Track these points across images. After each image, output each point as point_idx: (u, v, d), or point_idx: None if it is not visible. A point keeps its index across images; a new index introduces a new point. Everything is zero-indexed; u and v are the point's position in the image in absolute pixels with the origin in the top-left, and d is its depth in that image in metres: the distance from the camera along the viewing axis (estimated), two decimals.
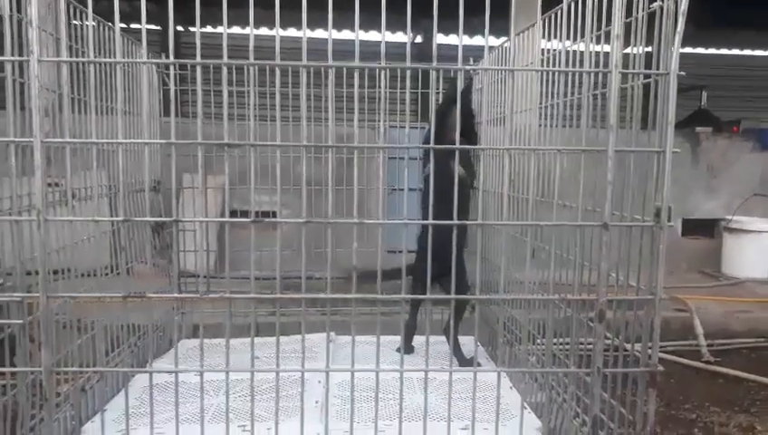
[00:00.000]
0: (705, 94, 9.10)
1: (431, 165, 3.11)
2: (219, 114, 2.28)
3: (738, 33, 11.47)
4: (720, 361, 4.40)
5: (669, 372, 4.04)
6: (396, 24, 1.99)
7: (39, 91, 1.63)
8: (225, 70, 1.74)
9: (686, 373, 4.19)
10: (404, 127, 2.72)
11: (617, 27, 1.77)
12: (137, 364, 2.91)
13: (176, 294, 1.74)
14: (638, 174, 1.94)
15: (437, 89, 3.57)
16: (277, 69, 1.78)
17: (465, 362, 3.14)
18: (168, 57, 1.85)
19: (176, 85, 2.22)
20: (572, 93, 2.37)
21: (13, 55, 1.84)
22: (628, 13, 1.90)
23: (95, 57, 2.06)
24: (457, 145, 2.04)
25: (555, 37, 2.48)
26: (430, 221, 1.93)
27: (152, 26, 10.03)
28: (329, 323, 2.08)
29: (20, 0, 1.92)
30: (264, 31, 9.82)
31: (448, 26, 2.33)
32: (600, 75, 1.99)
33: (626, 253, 1.98)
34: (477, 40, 10.24)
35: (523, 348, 2.82)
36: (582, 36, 2.19)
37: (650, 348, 1.86)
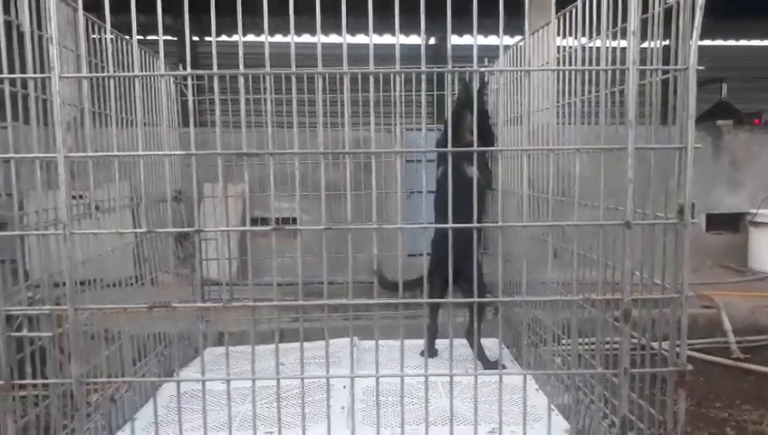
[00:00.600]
0: (725, 87, 8.98)
1: (444, 167, 3.10)
2: (237, 122, 2.29)
3: (757, 23, 11.29)
4: (750, 357, 4.33)
5: (698, 370, 3.98)
6: (409, 26, 1.99)
7: (61, 107, 1.66)
8: (242, 79, 1.76)
9: (716, 371, 4.13)
10: (420, 129, 2.71)
11: (633, 23, 1.75)
12: (163, 373, 2.94)
13: (200, 304, 1.75)
14: (660, 170, 1.92)
15: (453, 91, 3.56)
16: (293, 77, 1.79)
17: (490, 364, 3.12)
18: (184, 68, 1.88)
19: (193, 95, 2.25)
20: (590, 91, 2.36)
21: (34, 71, 1.87)
22: (645, 8, 1.89)
23: (114, 71, 2.10)
24: (475, 147, 2.04)
25: (570, 35, 2.47)
26: (450, 225, 1.92)
27: (168, 37, 10.16)
28: (352, 328, 2.08)
29: (40, 16, 1.96)
30: (278, 38, 9.90)
31: (461, 27, 2.32)
32: (618, 72, 1.98)
33: (649, 251, 1.96)
34: (491, 40, 10.17)
35: (548, 349, 2.79)
36: (598, 33, 2.18)
37: (678, 347, 1.83)
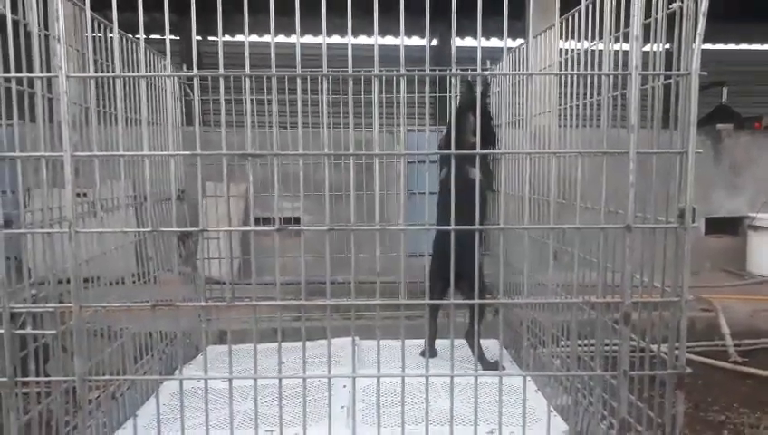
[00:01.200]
0: (725, 90, 8.99)
1: (447, 169, 3.11)
2: (240, 122, 2.31)
3: (757, 27, 11.31)
4: (748, 361, 4.34)
5: (696, 373, 3.99)
6: (412, 28, 2.00)
7: (68, 106, 1.67)
8: (246, 81, 1.77)
9: (714, 374, 4.14)
10: (423, 131, 2.73)
11: (636, 28, 1.76)
12: (165, 371, 2.95)
13: (203, 303, 1.77)
14: (661, 174, 1.93)
15: (455, 93, 3.58)
16: (298, 78, 1.80)
17: (490, 365, 3.14)
18: (189, 68, 1.89)
19: (198, 95, 2.27)
20: (592, 95, 2.37)
21: (41, 70, 1.88)
22: (647, 13, 1.90)
23: (120, 70, 2.11)
24: (478, 149, 2.05)
25: (573, 38, 2.48)
26: (452, 227, 1.94)
27: (172, 37, 10.17)
28: (353, 327, 2.10)
29: (47, 15, 1.97)
30: (281, 38, 9.91)
31: (464, 28, 2.34)
32: (620, 77, 1.99)
33: (649, 254, 1.97)
34: (494, 42, 10.21)
35: (547, 351, 2.81)
36: (601, 37, 2.19)
37: (677, 350, 1.85)
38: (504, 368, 2.76)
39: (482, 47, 1.93)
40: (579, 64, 2.44)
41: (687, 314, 1.85)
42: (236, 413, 2.57)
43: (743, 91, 10.51)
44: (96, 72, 2.36)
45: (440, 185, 3.27)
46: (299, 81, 1.83)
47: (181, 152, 2.66)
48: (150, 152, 1.70)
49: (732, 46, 11.95)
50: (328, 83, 1.81)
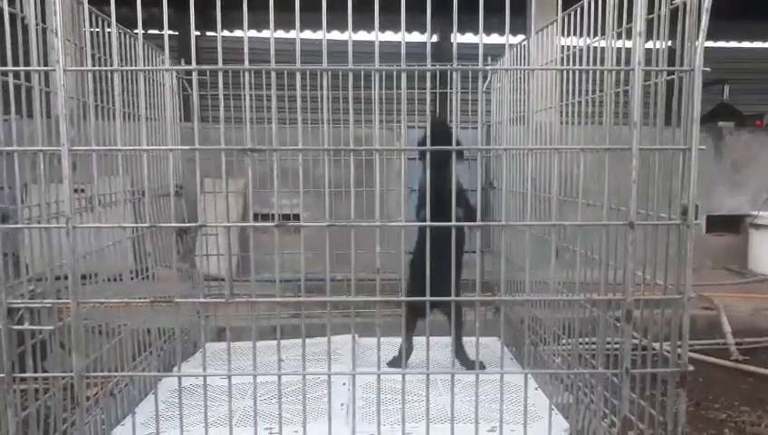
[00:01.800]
0: (726, 88, 8.97)
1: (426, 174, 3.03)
2: (239, 117, 2.29)
3: (758, 24, 11.28)
4: (749, 359, 4.33)
5: (698, 371, 3.96)
6: (412, 23, 1.98)
7: (65, 100, 1.65)
8: (246, 76, 1.75)
9: (715, 372, 4.13)
10: (424, 127, 2.71)
11: (639, 24, 1.74)
12: (163, 368, 2.94)
13: (202, 299, 1.75)
14: (663, 171, 1.91)
15: (457, 89, 3.55)
16: (297, 74, 1.78)
17: (468, 363, 3.08)
18: (188, 62, 1.87)
19: (197, 91, 2.25)
20: (594, 91, 2.35)
21: (39, 64, 1.86)
22: (650, 9, 1.88)
23: (119, 65, 2.09)
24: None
25: (575, 34, 2.46)
26: (453, 223, 1.92)
27: (171, 32, 10.13)
28: (353, 325, 2.08)
29: (45, 9, 1.95)
30: (281, 33, 9.88)
31: (464, 25, 2.32)
32: (623, 72, 1.97)
33: (652, 251, 1.95)
34: (495, 38, 10.17)
35: (548, 349, 2.80)
36: (603, 33, 2.17)
37: (680, 348, 1.83)
38: (483, 366, 2.64)
39: (483, 43, 1.90)
40: (581, 60, 2.42)
41: (690, 311, 1.84)
42: (235, 410, 2.55)
43: (744, 90, 10.48)
44: (94, 66, 2.34)
45: (419, 193, 3.20)
46: (298, 76, 1.81)
47: (179, 147, 2.65)
48: (148, 147, 1.68)
49: (733, 44, 11.92)
50: (328, 79, 1.79)
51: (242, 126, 1.90)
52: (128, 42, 2.66)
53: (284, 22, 3.13)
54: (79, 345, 1.67)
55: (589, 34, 2.31)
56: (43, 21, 1.94)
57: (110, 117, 2.43)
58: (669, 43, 1.91)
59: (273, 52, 1.83)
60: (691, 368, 1.83)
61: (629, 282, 1.81)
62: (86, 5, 1.98)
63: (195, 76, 2.03)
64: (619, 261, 1.97)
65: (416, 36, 10.42)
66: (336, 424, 2.00)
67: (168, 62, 1.92)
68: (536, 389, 2.82)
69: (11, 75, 1.78)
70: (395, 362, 3.14)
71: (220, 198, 3.95)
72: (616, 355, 1.93)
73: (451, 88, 3.61)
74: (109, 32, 1.85)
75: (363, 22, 1.74)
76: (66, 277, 1.71)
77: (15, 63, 1.80)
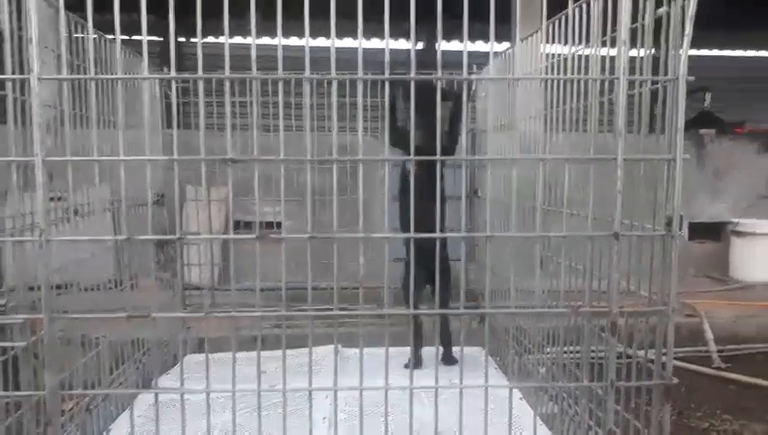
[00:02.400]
0: (708, 96, 9.07)
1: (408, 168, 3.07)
2: (221, 124, 2.24)
3: (740, 33, 11.44)
4: (731, 367, 4.35)
5: (680, 379, 3.97)
6: (397, 31, 1.95)
7: (40, 109, 1.61)
8: (227, 84, 1.72)
9: (698, 380, 4.14)
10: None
11: (623, 33, 1.74)
12: (142, 381, 2.88)
13: (181, 313, 1.70)
14: (647, 180, 1.90)
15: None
16: (280, 83, 1.75)
17: (450, 360, 3.33)
18: (169, 69, 1.83)
19: (178, 98, 2.21)
20: (579, 100, 2.35)
21: (13, 71, 1.82)
22: (635, 18, 1.87)
23: (96, 72, 2.05)
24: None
25: (560, 42, 2.46)
26: (440, 234, 1.90)
27: (152, 37, 10.02)
28: (336, 335, 2.05)
29: (21, 15, 1.90)
30: (265, 40, 9.82)
31: (451, 31, 2.30)
32: (607, 81, 1.97)
33: (637, 261, 1.94)
34: (479, 45, 10.17)
35: (532, 358, 2.78)
36: (588, 41, 2.17)
37: (664, 357, 1.82)
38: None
39: (468, 51, 1.88)
40: (565, 69, 2.41)
41: (674, 320, 1.83)
42: (215, 425, 2.50)
43: (725, 97, 10.61)
44: (71, 71, 2.29)
45: (402, 181, 3.26)
46: (281, 84, 1.78)
47: (158, 157, 2.60)
48: (126, 157, 1.64)
49: (715, 52, 12.08)
50: (311, 87, 1.76)
51: (224, 133, 1.86)
52: (107, 48, 2.61)
53: (269, 29, 3.10)
54: (52, 362, 1.62)
55: (573, 42, 2.30)
56: (19, 27, 1.89)
57: (88, 125, 2.38)
58: (653, 51, 1.91)
59: (254, 59, 1.79)
60: (676, 380, 1.82)
61: (614, 293, 1.80)
62: (62, 11, 1.93)
63: (173, 85, 1.99)
64: (604, 270, 1.95)
65: (402, 43, 10.41)
66: None
67: (147, 69, 1.87)
68: (521, 399, 2.81)
69: None
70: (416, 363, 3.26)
71: (203, 207, 3.90)
72: (600, 364, 1.91)
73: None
74: (87, 38, 1.80)
75: (349, 29, 1.71)
76: (41, 287, 1.66)
77: None
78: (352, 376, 3.12)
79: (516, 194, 2.17)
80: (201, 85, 1.70)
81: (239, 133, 2.79)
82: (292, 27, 2.48)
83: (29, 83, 1.63)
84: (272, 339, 3.52)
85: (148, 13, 1.72)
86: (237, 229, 4.19)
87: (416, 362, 3.28)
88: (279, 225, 3.46)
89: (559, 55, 2.53)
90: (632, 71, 1.83)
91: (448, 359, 3.41)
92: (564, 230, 2.09)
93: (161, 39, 9.83)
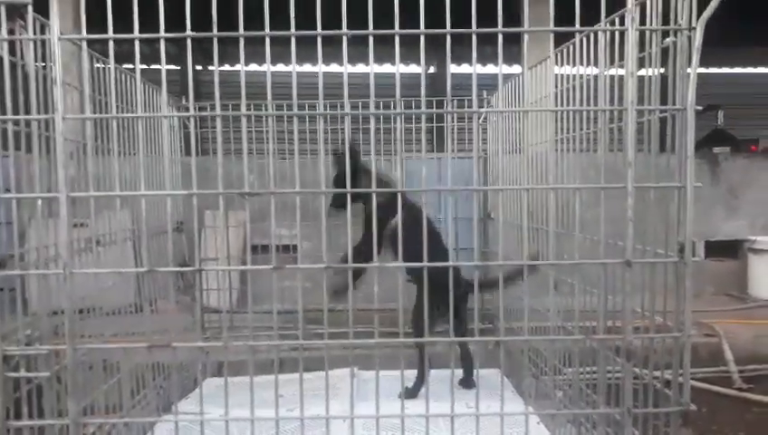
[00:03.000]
0: (721, 114, 9.04)
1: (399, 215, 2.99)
2: (239, 150, 2.30)
3: (753, 50, 11.41)
4: (753, 387, 4.28)
5: (701, 400, 3.93)
6: (408, 55, 1.99)
7: (64, 147, 1.67)
8: (244, 121, 1.77)
9: (718, 402, 4.08)
10: (419, 157, 2.73)
11: (630, 65, 1.77)
12: (162, 406, 2.92)
13: (200, 343, 1.74)
14: (659, 204, 1.92)
15: (452, 122, 3.59)
16: (295, 118, 1.80)
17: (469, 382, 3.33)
18: (187, 98, 1.89)
19: (196, 128, 2.27)
20: (588, 127, 2.37)
21: (38, 107, 1.88)
22: (642, 47, 1.90)
23: (117, 107, 2.11)
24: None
25: (568, 64, 2.49)
26: (452, 262, 1.92)
27: (171, 66, 10.17)
28: (352, 358, 2.08)
29: (45, 50, 1.96)
30: (280, 67, 9.97)
31: (460, 55, 2.35)
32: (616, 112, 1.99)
33: (650, 286, 1.95)
34: (490, 68, 10.25)
35: (548, 380, 2.78)
36: (596, 66, 2.20)
37: (681, 381, 1.82)
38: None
39: (477, 74, 1.91)
40: (575, 94, 2.44)
41: (690, 347, 1.83)
42: None
43: (739, 115, 10.56)
44: (94, 107, 2.36)
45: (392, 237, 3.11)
46: (296, 120, 1.83)
47: (177, 192, 2.66)
48: (146, 192, 1.69)
49: (726, 70, 12.06)
50: (326, 122, 1.81)
51: (241, 158, 1.92)
52: (128, 81, 2.69)
53: (284, 56, 3.18)
54: (75, 391, 1.66)
55: (582, 66, 2.33)
56: (43, 63, 1.95)
57: (110, 153, 2.45)
58: (662, 70, 1.93)
59: (269, 93, 1.84)
60: (693, 407, 1.82)
61: (627, 319, 1.81)
62: (84, 49, 2.00)
63: (192, 118, 2.05)
64: (618, 292, 1.96)
65: (413, 68, 10.51)
66: None
67: (167, 100, 1.93)
68: (538, 423, 2.80)
69: (11, 123, 1.79)
70: (410, 393, 3.18)
71: (221, 233, 3.96)
72: (617, 384, 1.91)
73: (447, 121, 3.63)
74: (109, 74, 1.86)
75: (364, 56, 1.75)
76: (63, 312, 1.70)
77: (16, 108, 1.81)
78: (369, 398, 3.15)
79: (529, 217, 2.20)
80: (219, 122, 1.75)
81: (256, 158, 2.84)
82: (304, 55, 2.54)
83: (53, 122, 1.69)
84: (289, 362, 3.55)
85: (165, 43, 1.77)
86: (255, 253, 4.25)
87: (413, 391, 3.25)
88: (295, 248, 3.50)
89: (568, 81, 2.56)
90: (641, 99, 1.86)
91: (468, 383, 3.41)
92: (577, 256, 2.11)
93: (178, 68, 10.01)
